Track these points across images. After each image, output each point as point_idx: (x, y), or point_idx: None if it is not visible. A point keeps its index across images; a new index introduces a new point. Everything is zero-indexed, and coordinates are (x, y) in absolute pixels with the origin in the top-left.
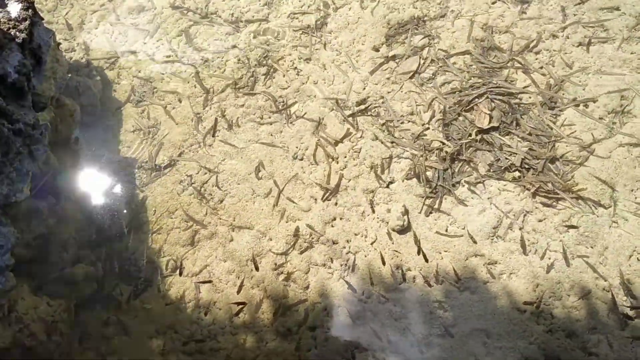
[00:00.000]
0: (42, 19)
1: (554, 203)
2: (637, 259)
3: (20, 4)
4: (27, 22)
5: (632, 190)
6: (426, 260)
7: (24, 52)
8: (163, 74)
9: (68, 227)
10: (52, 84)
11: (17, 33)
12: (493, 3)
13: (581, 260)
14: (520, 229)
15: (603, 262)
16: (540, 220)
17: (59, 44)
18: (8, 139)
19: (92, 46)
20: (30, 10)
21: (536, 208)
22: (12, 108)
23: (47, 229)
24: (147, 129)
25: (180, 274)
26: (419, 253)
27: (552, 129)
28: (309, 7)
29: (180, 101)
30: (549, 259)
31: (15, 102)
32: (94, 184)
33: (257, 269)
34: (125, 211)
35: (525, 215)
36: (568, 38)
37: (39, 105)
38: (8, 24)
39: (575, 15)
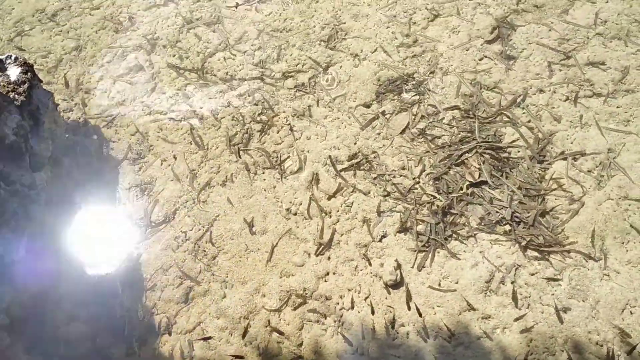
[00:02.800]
0: (41, 81)
1: (546, 256)
2: (630, 312)
3: (20, 68)
4: (26, 85)
5: (622, 243)
6: (420, 315)
7: (22, 114)
8: (159, 131)
9: (63, 285)
10: (50, 144)
11: (16, 96)
12: (480, 59)
13: (574, 314)
14: (512, 282)
15: (596, 316)
16: (532, 274)
17: (57, 104)
18: (5, 200)
19: (90, 105)
20: (29, 74)
21: (528, 262)
22: (9, 169)
23: (42, 288)
24: (143, 186)
25: (170, 334)
26: (409, 309)
27: (541, 182)
28: (302, 65)
29: (175, 158)
30: (542, 313)
31: (13, 163)
32: (89, 242)
33: (249, 326)
34: (120, 268)
35: (517, 269)
36: (555, 92)
37: (37, 165)
38: (7, 87)
39: (561, 70)
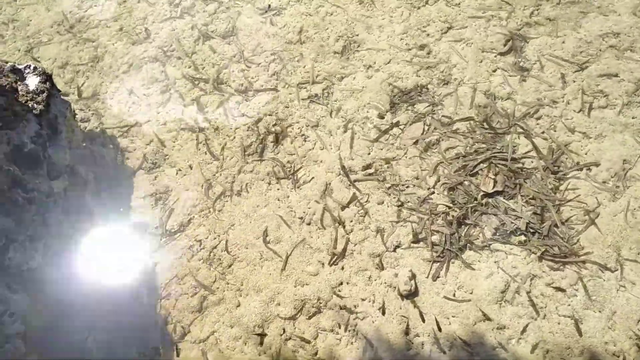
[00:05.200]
0: (59, 90)
1: (561, 267)
2: None
3: (38, 77)
4: (45, 95)
5: (638, 254)
6: (439, 329)
7: (40, 122)
8: (175, 141)
9: (79, 294)
10: (67, 153)
11: (35, 105)
12: (494, 71)
13: (590, 325)
14: (527, 293)
15: (612, 327)
16: (548, 284)
17: (75, 114)
18: (22, 208)
19: (106, 116)
20: (47, 83)
21: (543, 272)
22: (27, 177)
23: (59, 297)
24: (159, 195)
25: (178, 355)
26: (423, 320)
27: (555, 193)
28: (316, 77)
29: (191, 168)
30: (558, 323)
31: (31, 170)
32: (105, 251)
33: (264, 334)
34: (135, 277)
35: (532, 279)
36: (568, 104)
37: (54, 173)
38: (26, 96)
39: (574, 82)
